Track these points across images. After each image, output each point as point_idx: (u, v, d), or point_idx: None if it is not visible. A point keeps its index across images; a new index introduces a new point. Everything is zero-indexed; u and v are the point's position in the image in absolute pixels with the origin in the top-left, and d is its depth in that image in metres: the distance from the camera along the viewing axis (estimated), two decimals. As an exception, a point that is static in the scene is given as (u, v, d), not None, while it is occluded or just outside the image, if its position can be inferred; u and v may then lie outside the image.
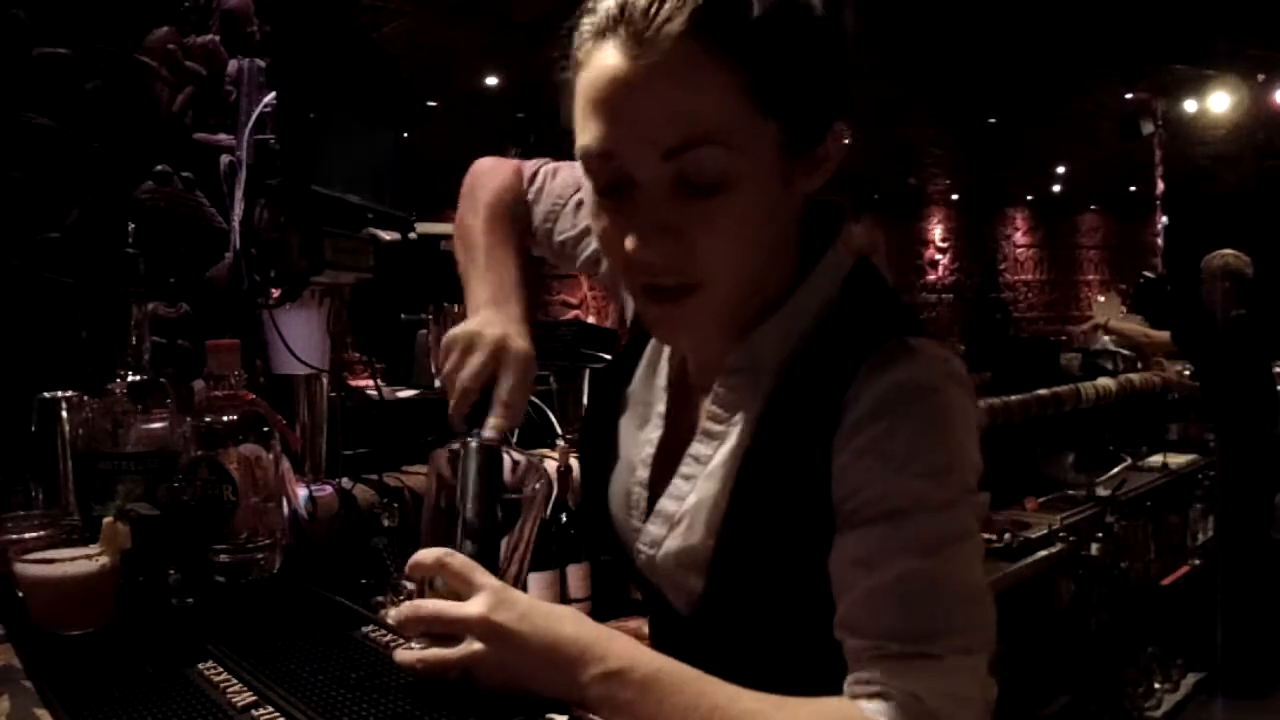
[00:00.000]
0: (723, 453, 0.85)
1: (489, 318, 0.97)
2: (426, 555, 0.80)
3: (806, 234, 0.86)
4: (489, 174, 1.12)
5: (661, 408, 0.94)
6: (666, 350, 0.95)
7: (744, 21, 0.73)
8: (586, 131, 0.78)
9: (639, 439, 0.95)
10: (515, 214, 1.10)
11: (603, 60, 0.75)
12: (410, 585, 0.86)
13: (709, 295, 0.80)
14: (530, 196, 1.12)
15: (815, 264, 0.85)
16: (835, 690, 0.75)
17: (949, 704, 0.71)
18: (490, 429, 0.90)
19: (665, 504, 0.89)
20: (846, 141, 0.80)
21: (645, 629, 1.60)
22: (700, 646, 0.86)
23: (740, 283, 0.81)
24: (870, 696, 0.72)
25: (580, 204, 1.08)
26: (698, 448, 0.87)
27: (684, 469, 0.88)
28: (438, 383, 0.95)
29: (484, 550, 0.84)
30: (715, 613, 0.85)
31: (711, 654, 0.83)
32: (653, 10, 0.73)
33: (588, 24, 0.77)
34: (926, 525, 0.74)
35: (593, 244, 1.06)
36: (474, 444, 0.88)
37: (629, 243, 0.78)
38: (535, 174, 1.13)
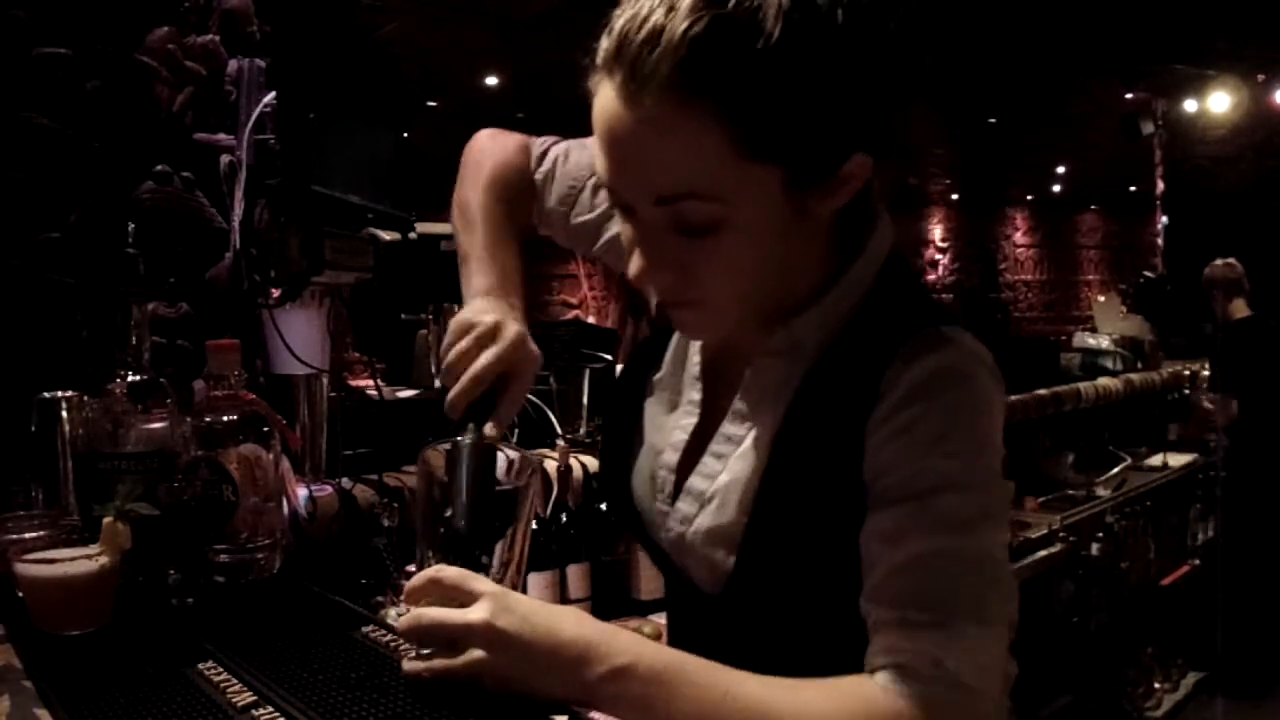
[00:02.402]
0: (755, 433, 0.86)
1: (502, 309, 0.94)
2: (419, 579, 0.80)
3: (844, 226, 0.85)
4: (491, 146, 1.09)
5: (694, 395, 0.94)
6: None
7: (729, 73, 0.71)
8: (597, 160, 0.79)
9: (666, 424, 0.96)
10: (520, 192, 1.08)
11: (604, 99, 0.76)
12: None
13: (715, 309, 0.82)
14: (539, 177, 1.09)
15: (856, 254, 0.86)
16: (859, 669, 0.75)
17: (971, 669, 0.72)
18: (492, 427, 0.88)
19: (695, 482, 0.89)
20: (869, 163, 0.78)
21: (645, 629, 1.61)
22: (726, 626, 0.87)
23: (748, 298, 0.83)
24: (888, 666, 0.73)
25: (599, 186, 1.07)
26: (730, 428, 0.88)
27: (715, 448, 0.88)
28: (438, 382, 0.95)
29: (481, 552, 0.83)
30: (744, 590, 0.85)
31: (737, 633, 0.84)
32: (642, 57, 0.72)
33: (599, 51, 0.76)
34: (954, 504, 0.75)
35: (614, 228, 1.06)
36: (470, 439, 0.86)
37: (633, 266, 0.81)
38: (545, 153, 1.10)
